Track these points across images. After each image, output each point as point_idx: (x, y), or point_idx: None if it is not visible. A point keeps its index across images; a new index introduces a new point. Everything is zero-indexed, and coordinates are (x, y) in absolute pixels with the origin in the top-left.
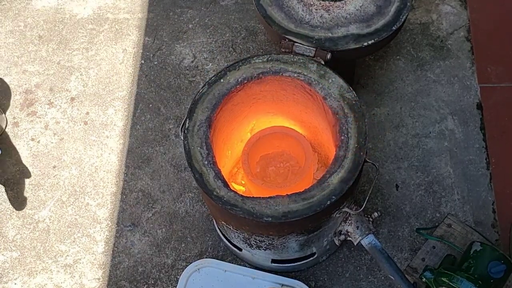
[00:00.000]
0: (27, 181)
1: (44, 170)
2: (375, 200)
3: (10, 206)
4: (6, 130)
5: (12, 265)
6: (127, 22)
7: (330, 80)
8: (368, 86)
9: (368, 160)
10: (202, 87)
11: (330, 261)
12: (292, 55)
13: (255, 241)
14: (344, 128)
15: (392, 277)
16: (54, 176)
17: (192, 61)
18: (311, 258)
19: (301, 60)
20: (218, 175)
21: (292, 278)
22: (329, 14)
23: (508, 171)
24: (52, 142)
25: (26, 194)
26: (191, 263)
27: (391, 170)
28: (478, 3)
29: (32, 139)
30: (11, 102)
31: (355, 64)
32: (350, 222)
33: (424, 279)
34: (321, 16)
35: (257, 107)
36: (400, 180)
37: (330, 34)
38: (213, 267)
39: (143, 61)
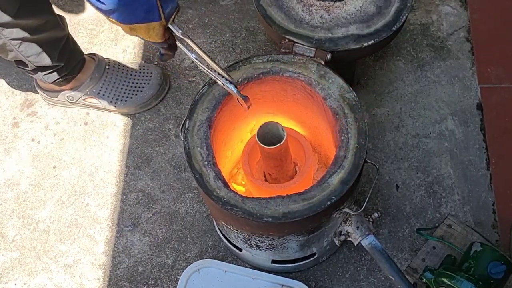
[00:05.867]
0: (27, 181)
1: (44, 170)
2: (375, 200)
3: (10, 206)
4: (7, 130)
5: (12, 265)
6: None
7: (330, 81)
8: (368, 86)
9: (368, 161)
10: (202, 87)
11: (330, 261)
12: (292, 56)
13: (255, 242)
14: (344, 128)
15: (392, 278)
16: (54, 176)
17: (192, 62)
18: (311, 259)
19: (301, 61)
20: (218, 176)
21: (292, 278)
22: (329, 15)
23: (508, 172)
24: (52, 143)
25: (26, 194)
26: (191, 263)
27: (391, 170)
28: (478, 3)
29: (32, 140)
30: (11, 102)
31: (355, 64)
32: (350, 222)
33: (424, 280)
34: (321, 17)
35: (257, 107)
36: (400, 181)
37: (330, 35)
38: (213, 268)
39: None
